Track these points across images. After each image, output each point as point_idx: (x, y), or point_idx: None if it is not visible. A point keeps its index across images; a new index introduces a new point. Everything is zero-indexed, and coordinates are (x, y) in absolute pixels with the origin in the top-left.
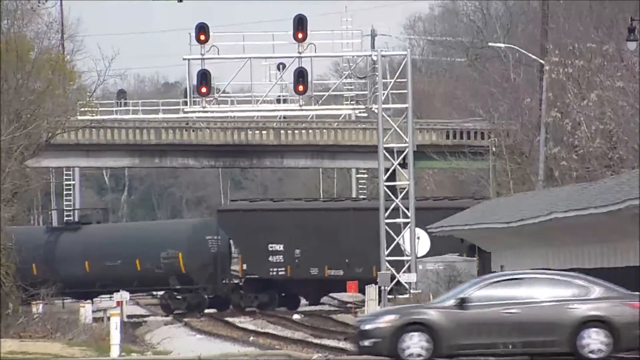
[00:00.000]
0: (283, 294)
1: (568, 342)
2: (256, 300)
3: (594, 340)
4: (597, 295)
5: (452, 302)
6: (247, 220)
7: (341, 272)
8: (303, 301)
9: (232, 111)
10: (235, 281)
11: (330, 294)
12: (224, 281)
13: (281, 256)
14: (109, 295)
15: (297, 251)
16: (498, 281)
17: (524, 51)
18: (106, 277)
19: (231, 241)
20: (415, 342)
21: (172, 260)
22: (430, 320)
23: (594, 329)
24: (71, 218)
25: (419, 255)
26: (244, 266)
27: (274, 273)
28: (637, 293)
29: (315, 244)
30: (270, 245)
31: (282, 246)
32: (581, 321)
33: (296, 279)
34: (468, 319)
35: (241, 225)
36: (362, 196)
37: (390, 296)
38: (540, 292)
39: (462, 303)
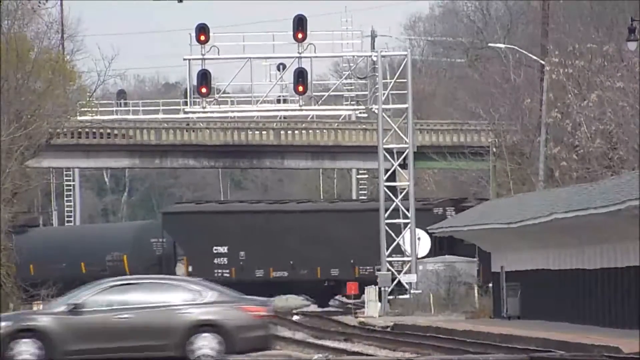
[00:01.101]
0: None
1: (179, 346)
2: None
3: (205, 343)
4: (209, 300)
5: (64, 307)
6: (191, 222)
7: (286, 274)
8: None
9: (232, 111)
10: None
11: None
12: None
13: (226, 258)
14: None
15: (242, 253)
16: (113, 286)
17: (524, 52)
18: (51, 280)
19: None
20: (26, 349)
21: (116, 263)
22: (42, 326)
23: (205, 333)
24: (72, 219)
25: (418, 256)
26: (189, 268)
27: (219, 275)
28: (250, 297)
29: (259, 246)
30: (215, 247)
31: (226, 248)
32: (192, 325)
33: (241, 280)
34: (80, 325)
35: (186, 227)
36: (362, 197)
37: (390, 297)
38: (154, 297)
39: (74, 309)
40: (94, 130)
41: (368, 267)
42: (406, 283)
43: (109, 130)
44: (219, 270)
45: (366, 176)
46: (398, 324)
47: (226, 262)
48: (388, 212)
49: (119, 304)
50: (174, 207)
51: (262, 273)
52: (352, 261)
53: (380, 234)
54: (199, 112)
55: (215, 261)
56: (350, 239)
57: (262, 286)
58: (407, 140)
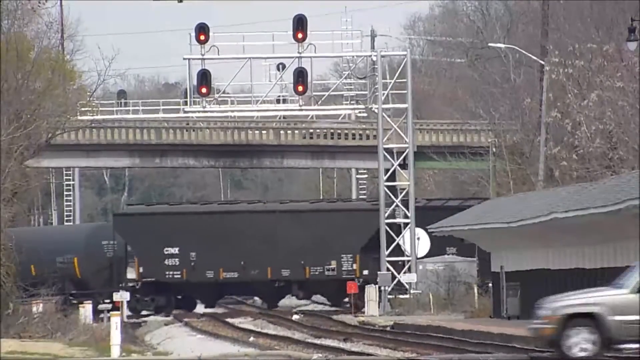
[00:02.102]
0: (179, 297)
1: None
2: (152, 304)
3: None
4: None
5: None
6: (143, 224)
7: (236, 275)
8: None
9: (232, 111)
10: (131, 285)
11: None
12: (120, 285)
13: (177, 259)
14: None
15: (193, 254)
16: None
17: (524, 52)
18: None
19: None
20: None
21: (67, 265)
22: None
23: None
24: (71, 219)
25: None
26: (140, 269)
27: (170, 276)
28: None
29: (211, 246)
30: (166, 248)
31: (177, 249)
32: None
33: (192, 281)
34: None
35: (137, 229)
36: (360, 196)
37: (390, 296)
38: None
39: None
40: (94, 129)
41: (318, 268)
42: (406, 283)
43: (109, 130)
44: (170, 272)
45: (366, 176)
46: (398, 324)
47: (177, 263)
48: (387, 213)
49: None
50: (126, 209)
51: (213, 274)
52: (302, 262)
53: (380, 234)
54: (199, 111)
55: (166, 262)
56: (301, 239)
57: (213, 287)
58: (407, 140)
